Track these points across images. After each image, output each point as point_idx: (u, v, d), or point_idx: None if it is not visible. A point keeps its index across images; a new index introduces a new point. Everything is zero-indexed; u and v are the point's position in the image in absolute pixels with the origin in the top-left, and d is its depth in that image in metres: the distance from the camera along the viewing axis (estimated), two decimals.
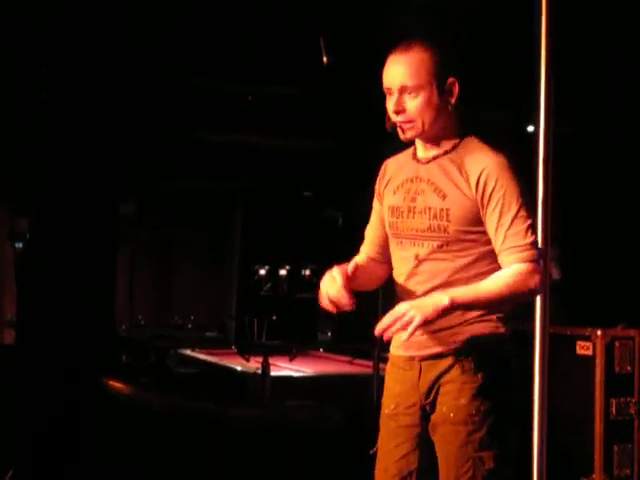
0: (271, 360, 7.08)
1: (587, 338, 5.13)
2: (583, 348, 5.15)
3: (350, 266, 2.93)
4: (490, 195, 2.79)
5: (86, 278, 7.29)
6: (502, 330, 2.88)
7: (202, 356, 8.76)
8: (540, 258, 2.80)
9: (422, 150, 2.96)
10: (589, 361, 5.10)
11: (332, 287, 2.84)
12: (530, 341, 3.11)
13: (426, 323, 2.69)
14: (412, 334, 2.68)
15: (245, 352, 7.86)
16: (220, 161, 11.02)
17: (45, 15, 6.79)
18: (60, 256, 7.17)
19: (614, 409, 5.06)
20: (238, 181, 12.17)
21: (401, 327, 2.67)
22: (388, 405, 3.01)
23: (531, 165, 3.06)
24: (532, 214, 2.84)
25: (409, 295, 2.90)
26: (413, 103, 2.83)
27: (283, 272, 12.72)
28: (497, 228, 2.79)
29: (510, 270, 2.78)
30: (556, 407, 3.29)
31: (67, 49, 6.89)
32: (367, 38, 6.11)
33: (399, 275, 2.99)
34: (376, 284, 3.12)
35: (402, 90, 2.84)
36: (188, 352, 9.09)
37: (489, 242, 2.85)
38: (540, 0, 2.82)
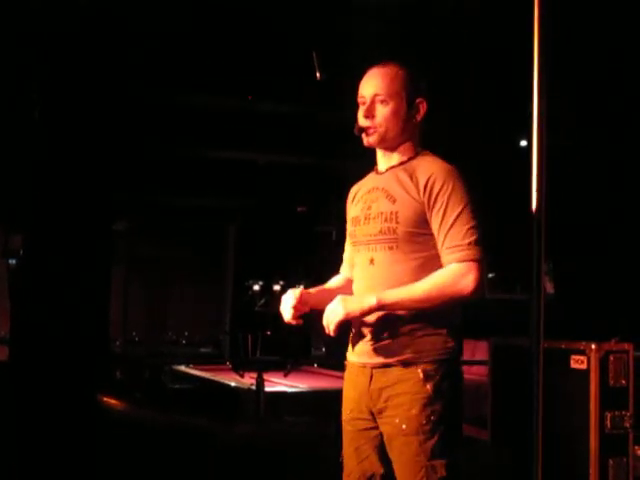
0: (265, 376, 7.08)
1: (581, 352, 5.13)
2: (577, 362, 5.15)
3: (300, 291, 3.10)
4: (436, 197, 2.93)
5: (80, 295, 7.28)
6: (451, 344, 2.97)
7: (196, 372, 8.76)
8: (480, 258, 2.90)
9: (381, 162, 3.14)
10: (584, 375, 5.10)
11: (285, 307, 3.07)
12: (525, 356, 3.11)
13: (351, 319, 2.92)
14: (336, 328, 2.88)
15: (239, 368, 7.86)
16: (213, 178, 11.03)
17: (37, 34, 6.80)
18: (54, 273, 7.16)
19: (609, 423, 5.05)
20: (232, 197, 12.17)
21: (327, 323, 2.89)
22: (345, 411, 3.12)
23: (524, 179, 3.07)
24: (478, 217, 2.95)
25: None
26: (382, 111, 3.04)
27: (277, 287, 12.71)
28: (440, 228, 2.93)
29: (444, 270, 2.91)
30: (551, 421, 3.29)
31: (60, 65, 6.90)
32: (361, 54, 6.13)
33: (356, 280, 3.14)
34: None
35: (374, 99, 3.05)
36: (182, 368, 9.09)
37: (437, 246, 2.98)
38: (533, 12, 2.84)
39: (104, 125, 7.46)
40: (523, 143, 8.63)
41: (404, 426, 2.89)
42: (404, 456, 2.91)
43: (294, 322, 3.05)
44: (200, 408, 7.31)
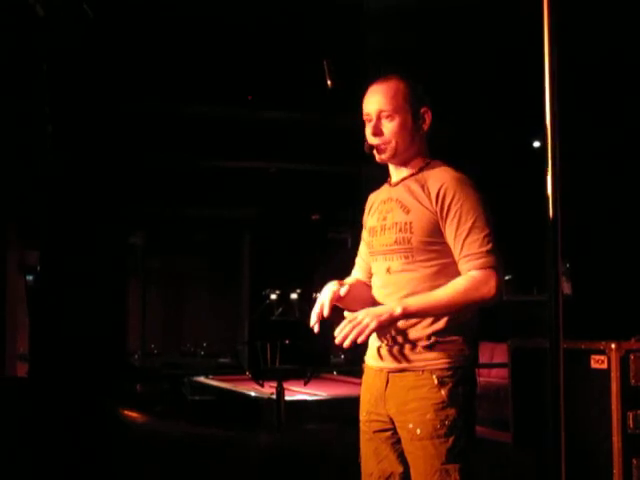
0: (285, 385, 7.07)
1: (601, 352, 5.11)
2: (598, 362, 5.13)
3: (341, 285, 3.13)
4: (449, 207, 2.99)
5: (97, 309, 7.30)
6: (467, 352, 3.04)
7: (216, 383, 8.75)
8: (497, 265, 2.96)
9: (394, 174, 3.22)
10: (604, 375, 5.08)
11: (328, 294, 3.07)
12: (544, 357, 3.10)
13: (381, 329, 2.94)
14: (366, 338, 2.91)
15: (259, 378, 7.86)
16: (227, 188, 11.05)
17: (46, 51, 6.82)
18: (71, 288, 7.18)
19: (631, 422, 5.02)
20: (246, 207, 12.19)
21: (357, 333, 2.88)
22: (362, 412, 3.20)
23: (539, 179, 3.07)
24: (491, 224, 3.00)
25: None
26: (389, 126, 3.10)
27: (294, 296, 12.72)
28: (455, 237, 2.99)
29: (465, 277, 2.96)
30: (573, 422, 3.28)
31: (72, 80, 6.93)
32: (366, 61, 6.14)
33: (375, 289, 3.20)
34: (361, 305, 3.16)
35: (379, 115, 3.11)
36: (202, 379, 9.09)
37: (452, 254, 3.03)
38: (542, 14, 2.83)
39: (117, 139, 7.48)
40: (536, 144, 8.61)
41: (419, 431, 2.96)
42: (419, 460, 2.97)
43: (316, 326, 3.04)
44: (221, 419, 7.31)
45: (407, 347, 3.02)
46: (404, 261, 3.05)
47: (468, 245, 2.96)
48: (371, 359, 3.17)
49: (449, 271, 3.01)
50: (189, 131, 9.01)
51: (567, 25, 3.05)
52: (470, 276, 2.95)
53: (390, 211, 3.13)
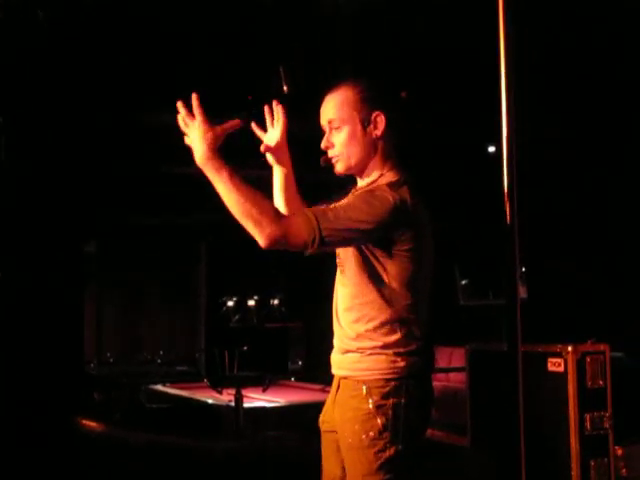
0: (243, 392, 7.06)
1: (558, 354, 5.15)
2: (554, 365, 5.17)
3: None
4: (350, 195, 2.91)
5: (53, 318, 7.24)
6: (401, 364, 2.90)
7: (174, 391, 8.73)
8: (308, 243, 2.70)
9: (358, 182, 3.05)
10: (561, 377, 5.12)
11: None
12: (501, 361, 3.12)
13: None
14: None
15: (217, 385, 7.85)
16: (181, 195, 10.99)
17: None
18: (26, 297, 7.12)
19: (588, 424, 5.07)
20: (202, 213, 12.13)
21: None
22: (322, 412, 3.17)
23: (493, 186, 3.07)
24: (363, 237, 2.79)
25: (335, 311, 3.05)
26: (338, 138, 2.95)
27: (251, 302, 12.69)
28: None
29: (276, 209, 2.84)
30: (531, 425, 3.30)
31: (22, 88, 6.88)
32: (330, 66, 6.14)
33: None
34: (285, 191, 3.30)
35: (330, 126, 2.96)
36: (159, 387, 9.06)
37: (387, 273, 2.87)
38: (498, 15, 2.84)
39: (70, 147, 7.43)
40: (491, 149, 8.66)
41: (350, 440, 2.91)
42: (349, 469, 2.95)
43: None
44: (179, 426, 7.28)
45: (346, 356, 2.98)
46: (340, 274, 3.00)
47: (316, 209, 2.77)
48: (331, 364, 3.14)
49: (374, 289, 2.88)
50: (142, 139, 8.95)
51: (522, 23, 3.06)
52: (279, 211, 2.83)
53: None
